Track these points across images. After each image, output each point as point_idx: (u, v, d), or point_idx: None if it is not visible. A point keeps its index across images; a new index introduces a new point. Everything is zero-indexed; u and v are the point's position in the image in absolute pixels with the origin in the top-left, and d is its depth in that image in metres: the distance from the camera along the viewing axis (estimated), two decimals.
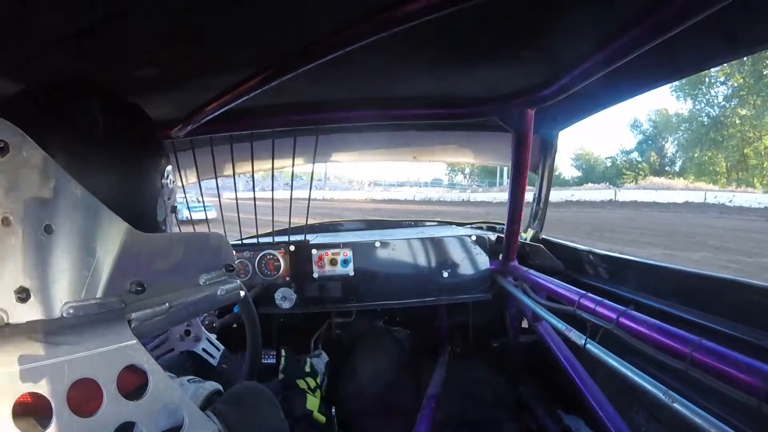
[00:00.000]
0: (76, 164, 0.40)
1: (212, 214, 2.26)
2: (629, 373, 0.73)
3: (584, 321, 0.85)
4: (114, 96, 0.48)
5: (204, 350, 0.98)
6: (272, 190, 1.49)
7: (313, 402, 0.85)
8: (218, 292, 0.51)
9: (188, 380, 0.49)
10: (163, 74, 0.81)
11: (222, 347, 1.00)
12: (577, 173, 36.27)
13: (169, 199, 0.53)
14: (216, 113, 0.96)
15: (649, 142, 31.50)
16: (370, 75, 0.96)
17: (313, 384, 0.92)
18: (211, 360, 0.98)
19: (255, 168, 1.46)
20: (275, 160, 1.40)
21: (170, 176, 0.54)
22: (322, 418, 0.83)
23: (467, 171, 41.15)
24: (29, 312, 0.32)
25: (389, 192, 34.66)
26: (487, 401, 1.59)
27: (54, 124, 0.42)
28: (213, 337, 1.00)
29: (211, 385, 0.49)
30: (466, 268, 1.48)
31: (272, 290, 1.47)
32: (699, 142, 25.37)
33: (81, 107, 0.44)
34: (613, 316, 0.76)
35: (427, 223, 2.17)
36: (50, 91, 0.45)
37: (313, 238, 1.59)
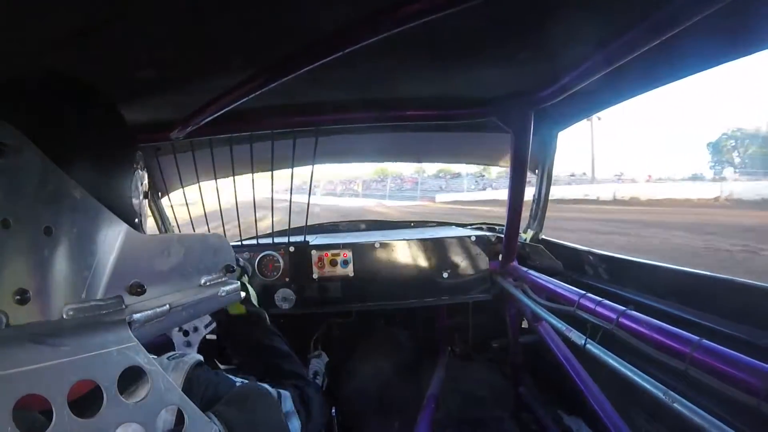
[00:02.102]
0: (50, 155, 0.40)
1: None
2: (629, 373, 0.73)
3: (584, 321, 0.85)
4: (87, 90, 0.48)
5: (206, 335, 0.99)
6: (272, 190, 1.49)
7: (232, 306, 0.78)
8: (219, 293, 0.51)
9: (168, 358, 0.49)
10: (162, 76, 0.81)
11: (208, 317, 1.00)
12: None
13: (141, 184, 0.53)
14: (215, 115, 0.96)
15: None
16: (369, 76, 0.96)
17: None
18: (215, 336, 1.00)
19: (254, 169, 1.46)
20: (275, 162, 1.40)
21: (141, 162, 0.53)
22: (242, 309, 0.78)
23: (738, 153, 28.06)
24: (29, 314, 0.32)
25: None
26: (487, 401, 1.59)
27: (32, 118, 0.41)
28: (204, 321, 1.01)
29: (191, 358, 0.49)
30: (466, 269, 1.48)
31: (272, 291, 1.47)
32: None
33: (57, 102, 0.44)
34: (613, 316, 0.76)
35: (427, 224, 2.17)
36: (32, 89, 0.44)
37: (313, 239, 1.59)
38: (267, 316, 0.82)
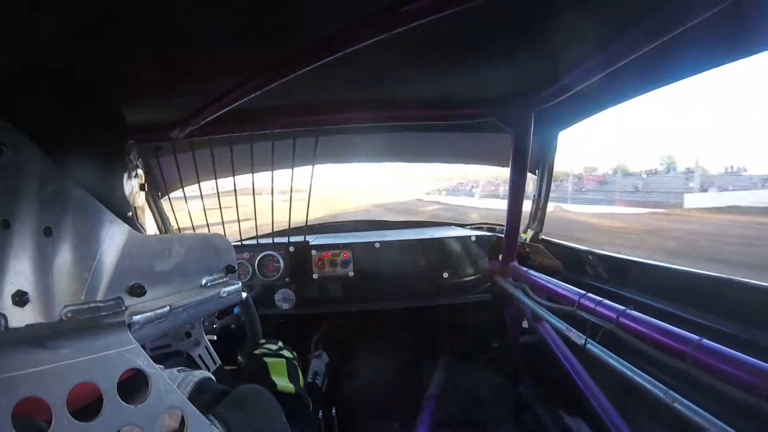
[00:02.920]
0: (49, 154, 0.38)
1: None
2: (629, 373, 0.73)
3: (584, 321, 0.86)
4: (87, 90, 0.48)
5: (200, 357, 0.96)
6: (272, 191, 1.49)
7: (276, 368, 0.79)
8: (220, 294, 0.51)
9: (178, 370, 0.49)
10: (163, 76, 0.80)
11: (219, 362, 0.95)
12: None
13: (135, 176, 0.53)
14: (216, 115, 0.96)
15: None
16: (369, 76, 0.96)
17: (275, 346, 0.87)
18: (204, 369, 0.95)
19: (254, 169, 1.46)
20: (275, 162, 1.40)
21: (133, 152, 0.53)
22: (290, 387, 0.76)
23: None
24: (28, 316, 0.32)
25: None
26: (487, 401, 1.60)
27: (32, 118, 0.41)
28: (212, 348, 0.97)
29: (201, 373, 0.49)
30: (466, 269, 1.48)
31: (272, 291, 1.47)
32: None
33: (57, 101, 0.44)
34: (613, 315, 0.76)
35: (427, 224, 2.17)
36: (32, 88, 0.44)
37: (313, 239, 1.59)
38: (311, 404, 0.81)
